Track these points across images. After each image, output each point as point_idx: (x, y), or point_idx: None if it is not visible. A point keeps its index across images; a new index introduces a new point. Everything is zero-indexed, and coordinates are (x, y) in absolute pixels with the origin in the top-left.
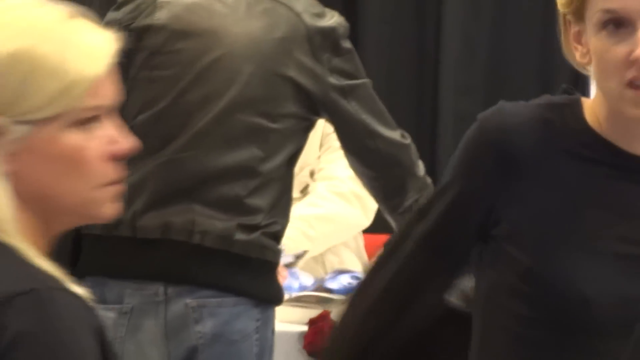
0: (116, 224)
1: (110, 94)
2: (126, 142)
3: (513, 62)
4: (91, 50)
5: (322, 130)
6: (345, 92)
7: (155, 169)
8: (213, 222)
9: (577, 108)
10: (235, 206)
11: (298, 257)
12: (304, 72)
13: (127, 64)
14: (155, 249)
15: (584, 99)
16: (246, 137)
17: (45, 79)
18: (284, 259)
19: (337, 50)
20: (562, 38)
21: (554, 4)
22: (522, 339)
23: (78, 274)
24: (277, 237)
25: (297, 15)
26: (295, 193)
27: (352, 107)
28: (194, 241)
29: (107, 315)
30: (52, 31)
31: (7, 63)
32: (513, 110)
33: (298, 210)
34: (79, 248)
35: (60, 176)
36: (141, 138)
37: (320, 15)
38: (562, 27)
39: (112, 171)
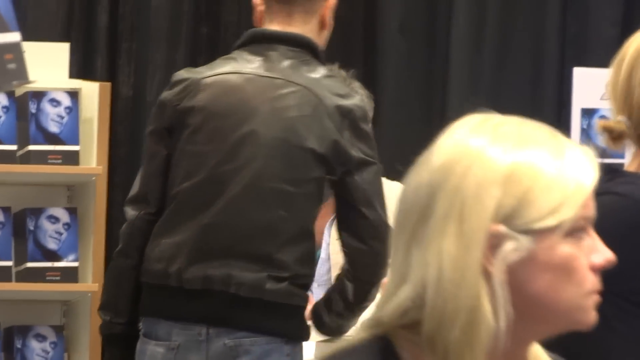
0: (167, 275)
1: (592, 205)
2: (605, 253)
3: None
4: (584, 162)
5: None
6: (358, 164)
7: (196, 230)
8: (247, 275)
9: None
10: (266, 261)
11: None
12: (324, 143)
13: (176, 139)
14: (198, 297)
15: None
16: (273, 201)
17: (547, 189)
18: None
19: (355, 129)
20: None
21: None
22: None
23: (138, 314)
24: (305, 286)
25: (317, 96)
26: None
27: (360, 177)
28: (230, 291)
29: (157, 350)
30: (546, 144)
31: (511, 174)
32: None
33: None
34: (138, 294)
35: (557, 284)
36: (185, 203)
37: (343, 96)
38: None
39: (594, 280)
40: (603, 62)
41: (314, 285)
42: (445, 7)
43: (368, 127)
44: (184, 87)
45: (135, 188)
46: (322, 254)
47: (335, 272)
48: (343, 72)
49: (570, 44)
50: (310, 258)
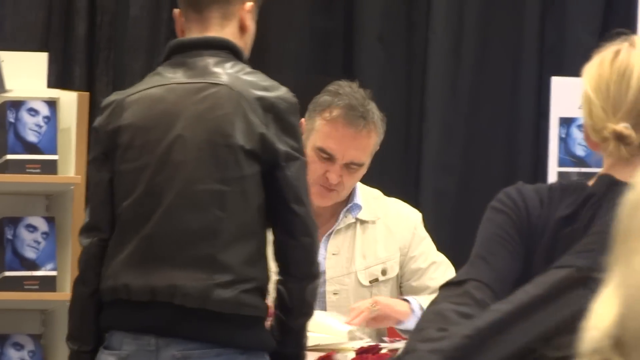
0: (116, 290)
1: None
2: None
3: (484, 146)
4: None
5: (409, 237)
6: (286, 159)
7: (138, 243)
8: (192, 284)
9: None
10: (210, 264)
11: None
12: (251, 138)
13: (112, 161)
14: (146, 308)
15: None
16: (207, 202)
17: None
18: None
19: (280, 122)
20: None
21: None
22: None
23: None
24: (257, 290)
25: (238, 92)
26: (365, 282)
27: (289, 173)
28: (176, 302)
29: (109, 359)
30: None
31: None
32: None
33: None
34: (100, 310)
35: None
36: (127, 221)
37: (266, 89)
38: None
39: None
40: (581, 72)
41: None
42: (424, 16)
43: (294, 119)
44: (111, 110)
45: (87, 217)
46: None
47: (329, 287)
48: (362, 91)
49: (548, 53)
50: (258, 259)
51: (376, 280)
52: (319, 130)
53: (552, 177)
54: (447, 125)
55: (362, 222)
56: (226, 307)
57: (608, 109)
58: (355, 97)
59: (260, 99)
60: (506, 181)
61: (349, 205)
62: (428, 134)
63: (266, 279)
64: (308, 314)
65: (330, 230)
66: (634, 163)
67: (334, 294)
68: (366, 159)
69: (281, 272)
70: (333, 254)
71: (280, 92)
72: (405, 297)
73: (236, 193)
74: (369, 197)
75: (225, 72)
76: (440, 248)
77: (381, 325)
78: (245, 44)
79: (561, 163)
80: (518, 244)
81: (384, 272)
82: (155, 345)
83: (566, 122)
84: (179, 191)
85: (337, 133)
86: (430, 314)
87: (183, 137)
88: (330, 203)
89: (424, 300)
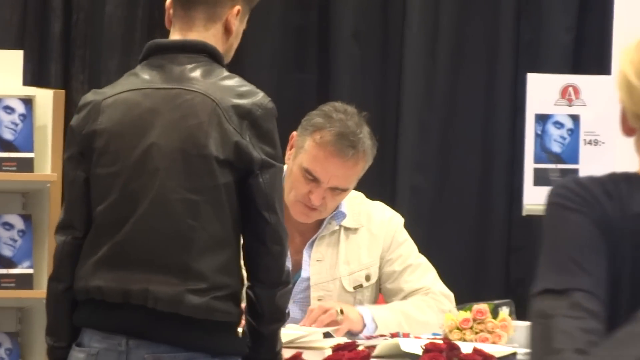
0: (89, 290)
1: None
2: None
3: (459, 143)
4: None
5: (389, 241)
6: (261, 167)
7: (112, 247)
8: (164, 289)
9: None
10: (183, 272)
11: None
12: (225, 147)
13: (88, 163)
14: (119, 309)
15: None
16: (179, 212)
17: None
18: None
19: (256, 129)
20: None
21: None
22: None
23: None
24: (231, 297)
25: (214, 100)
26: (349, 288)
27: (262, 180)
28: (149, 305)
29: (78, 356)
30: None
31: None
32: None
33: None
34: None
35: None
36: (102, 225)
37: (242, 95)
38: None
39: None
40: (557, 68)
41: (290, 303)
42: (399, 13)
43: (271, 125)
44: (87, 111)
45: (62, 214)
46: (303, 274)
47: (314, 292)
48: (356, 117)
49: (524, 50)
50: (231, 267)
51: (360, 286)
52: (307, 151)
53: (528, 174)
54: (422, 123)
55: (346, 229)
56: (198, 313)
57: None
58: (348, 124)
59: (236, 107)
60: (482, 178)
61: (334, 212)
62: (404, 132)
63: (240, 285)
64: (280, 320)
65: (314, 237)
66: None
67: (318, 299)
68: (351, 185)
69: (251, 277)
70: (317, 260)
71: (256, 98)
72: (362, 311)
73: (209, 202)
74: (353, 204)
75: (202, 78)
76: (416, 245)
77: (330, 329)
78: (229, 46)
79: (537, 159)
80: (602, 242)
81: (367, 278)
82: (126, 346)
83: (542, 119)
84: (152, 199)
85: (325, 159)
86: (554, 332)
87: (157, 145)
88: (311, 221)
89: (382, 310)
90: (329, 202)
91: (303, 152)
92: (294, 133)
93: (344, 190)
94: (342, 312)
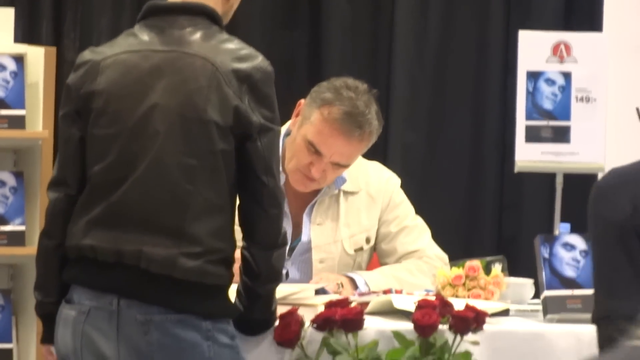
0: (81, 248)
1: None
2: None
3: (451, 99)
4: None
5: (386, 202)
6: (259, 131)
7: (108, 208)
8: (158, 251)
9: None
10: (178, 235)
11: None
12: (225, 112)
13: (85, 122)
14: (111, 269)
15: None
16: (177, 176)
17: None
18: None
19: (255, 93)
20: None
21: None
22: None
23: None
24: (223, 261)
25: (213, 64)
26: (350, 251)
27: (261, 144)
28: (142, 266)
29: (70, 313)
30: None
31: None
32: None
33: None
34: (64, 263)
35: None
36: (97, 185)
37: (242, 59)
38: None
39: None
40: (549, 25)
41: (288, 264)
42: None
43: (269, 89)
44: (85, 70)
45: (55, 171)
46: (303, 238)
47: (316, 255)
48: (366, 96)
49: (515, 7)
50: (225, 232)
51: (361, 249)
52: (313, 124)
53: (520, 131)
54: (414, 80)
55: (345, 192)
56: (191, 276)
57: None
58: (357, 104)
59: (236, 71)
60: (474, 135)
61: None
62: (395, 90)
63: (232, 249)
64: (276, 280)
65: (314, 201)
66: None
67: (320, 262)
68: (353, 162)
69: (246, 238)
70: (318, 224)
71: (256, 61)
72: (355, 277)
73: (206, 167)
74: (351, 167)
75: (201, 41)
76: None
77: (322, 284)
78: (230, 6)
79: (529, 116)
80: None
81: (367, 241)
82: (117, 306)
83: (533, 76)
84: (150, 162)
85: (330, 135)
86: None
87: (156, 108)
88: (308, 190)
89: (375, 275)
90: (328, 175)
91: (309, 123)
92: (302, 101)
93: (345, 166)
94: (342, 285)
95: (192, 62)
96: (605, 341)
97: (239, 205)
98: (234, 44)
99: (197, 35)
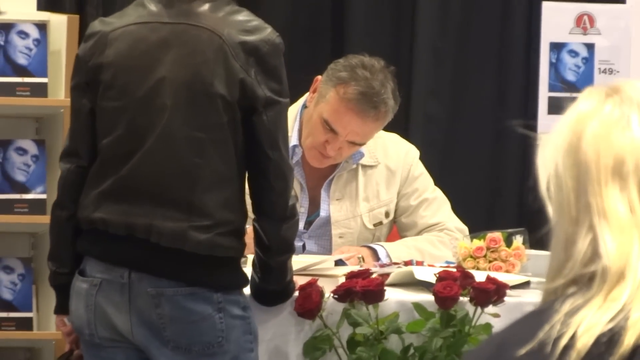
0: (93, 221)
1: None
2: None
3: (474, 71)
4: None
5: (405, 175)
6: (265, 104)
7: (118, 181)
8: (168, 224)
9: None
10: (188, 208)
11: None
12: (231, 86)
13: (94, 94)
14: (122, 241)
15: None
16: (185, 149)
17: None
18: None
19: (262, 66)
20: None
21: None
22: None
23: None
24: (235, 233)
25: (220, 37)
26: (369, 225)
27: (267, 118)
28: (152, 240)
29: (82, 286)
30: None
31: None
32: None
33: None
34: (77, 234)
35: None
36: (108, 158)
37: (249, 32)
38: None
39: None
40: None
41: (306, 237)
42: None
43: (277, 62)
44: (95, 42)
45: (66, 141)
46: (322, 213)
47: (335, 230)
48: (381, 75)
49: None
50: (235, 203)
51: (380, 223)
52: (329, 103)
53: (542, 103)
54: (437, 51)
55: (364, 166)
56: (202, 249)
57: None
58: (373, 85)
59: (243, 43)
60: (496, 107)
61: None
62: (418, 59)
63: (243, 220)
64: (288, 252)
65: (332, 176)
66: None
67: (340, 237)
68: (368, 140)
69: (255, 211)
70: (337, 200)
71: (264, 34)
72: (377, 248)
73: (214, 140)
74: (369, 140)
75: (209, 13)
76: (429, 174)
77: (342, 256)
78: None
79: (551, 88)
80: None
81: (387, 215)
82: (128, 279)
83: (556, 47)
84: (158, 136)
85: (345, 115)
86: None
87: (163, 82)
88: (323, 166)
89: (396, 246)
90: (344, 152)
91: (325, 102)
92: (319, 77)
93: (361, 144)
94: (363, 259)
95: (199, 34)
96: None
97: (247, 178)
98: (242, 16)
99: (206, 7)
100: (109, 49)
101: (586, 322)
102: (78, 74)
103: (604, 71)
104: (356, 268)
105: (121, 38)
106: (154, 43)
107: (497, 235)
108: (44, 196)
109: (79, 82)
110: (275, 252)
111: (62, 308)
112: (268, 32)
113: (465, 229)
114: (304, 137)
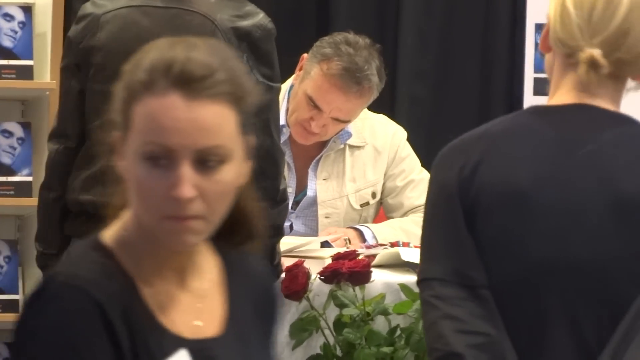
0: (82, 203)
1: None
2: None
3: (459, 52)
4: None
5: (392, 156)
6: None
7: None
8: None
9: None
10: None
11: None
12: None
13: (84, 76)
14: None
15: None
16: None
17: None
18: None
19: (254, 51)
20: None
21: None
22: None
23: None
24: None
25: (213, 22)
26: (356, 206)
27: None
28: None
29: None
30: None
31: None
32: None
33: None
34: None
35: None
36: (97, 140)
37: (241, 17)
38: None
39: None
40: None
41: (293, 217)
42: None
43: (269, 47)
44: (86, 24)
45: (55, 122)
46: (309, 192)
47: (321, 210)
48: (366, 52)
49: None
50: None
51: (367, 203)
52: (313, 79)
53: (528, 84)
54: (421, 32)
55: (351, 146)
56: None
57: (585, 30)
58: (356, 60)
59: (235, 29)
60: (481, 87)
61: (340, 131)
62: (403, 40)
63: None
64: (277, 236)
65: (319, 156)
66: (599, 92)
67: (326, 217)
68: (353, 117)
69: None
70: (323, 179)
71: (256, 19)
72: (363, 230)
73: None
74: (357, 120)
75: None
76: (415, 155)
77: (328, 237)
78: None
79: (537, 69)
80: None
81: (373, 195)
82: None
83: (542, 28)
84: None
85: (328, 91)
86: None
87: None
88: (309, 143)
89: (383, 227)
90: (329, 129)
91: (309, 78)
92: (305, 55)
93: (346, 121)
94: (349, 241)
95: (191, 19)
96: (423, 304)
97: None
98: (234, 1)
99: None
100: (101, 32)
101: None
102: (68, 55)
103: None
104: (342, 249)
105: (113, 21)
106: (145, 27)
107: None
108: (29, 178)
109: (69, 64)
110: (265, 235)
111: None
112: (260, 17)
113: None
114: (289, 113)
